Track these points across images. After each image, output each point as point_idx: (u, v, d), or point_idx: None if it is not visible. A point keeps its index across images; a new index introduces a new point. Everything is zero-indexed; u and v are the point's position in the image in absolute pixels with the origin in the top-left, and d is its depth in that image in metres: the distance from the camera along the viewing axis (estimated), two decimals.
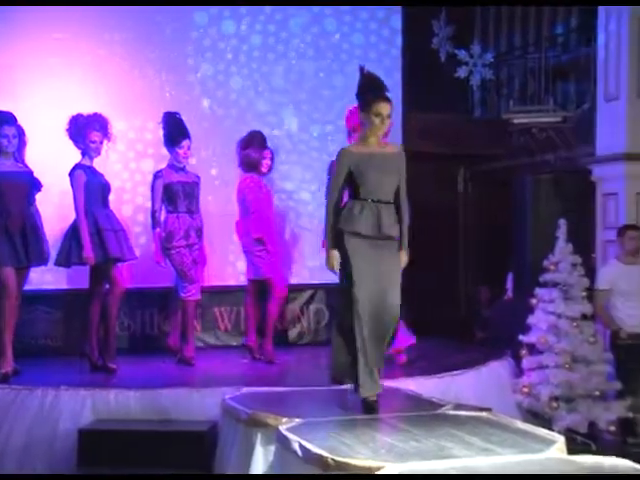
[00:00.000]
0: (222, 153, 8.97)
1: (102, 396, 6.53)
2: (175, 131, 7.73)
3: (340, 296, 5.68)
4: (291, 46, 9.46)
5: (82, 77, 8.70)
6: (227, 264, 9.15)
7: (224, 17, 9.25)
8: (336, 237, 5.47)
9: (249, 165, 8.14)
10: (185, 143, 7.70)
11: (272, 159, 8.39)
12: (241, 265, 8.80)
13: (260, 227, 8.04)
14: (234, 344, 9.05)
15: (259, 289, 8.29)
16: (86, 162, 7.41)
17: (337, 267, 5.44)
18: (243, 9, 9.30)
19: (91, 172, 7.39)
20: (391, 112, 5.46)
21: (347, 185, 5.55)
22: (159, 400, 6.49)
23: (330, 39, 9.56)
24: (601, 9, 8.80)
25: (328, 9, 9.54)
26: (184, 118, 7.84)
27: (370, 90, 5.53)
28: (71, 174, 7.33)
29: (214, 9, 9.20)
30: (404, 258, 5.63)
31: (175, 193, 7.69)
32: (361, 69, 5.80)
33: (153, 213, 7.70)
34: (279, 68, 9.39)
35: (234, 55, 9.27)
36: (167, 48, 9.07)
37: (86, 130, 7.36)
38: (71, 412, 6.39)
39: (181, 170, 7.77)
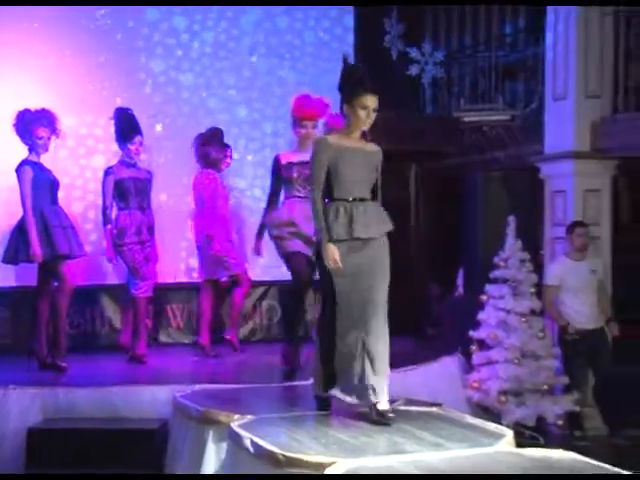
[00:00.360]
0: (174, 149, 8.93)
1: (51, 395, 6.46)
2: (127, 127, 7.67)
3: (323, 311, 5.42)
4: (243, 43, 9.43)
5: (33, 74, 8.57)
6: (179, 261, 9.12)
7: (175, 13, 9.19)
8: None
9: (209, 162, 8.16)
10: (137, 139, 7.64)
11: (231, 157, 8.40)
12: (193, 262, 8.79)
13: (213, 224, 8.04)
14: (186, 342, 9.02)
15: (214, 286, 8.30)
16: (33, 158, 7.30)
17: (339, 261, 5.03)
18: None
19: (38, 168, 7.30)
20: (377, 106, 5.22)
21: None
22: (109, 398, 6.43)
23: (282, 36, 9.56)
24: (549, 9, 8.87)
25: (280, 6, 9.53)
26: (136, 114, 7.79)
27: (355, 82, 5.25)
28: (18, 170, 7.22)
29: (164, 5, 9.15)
30: None
31: (126, 189, 7.63)
32: (344, 60, 5.66)
33: (104, 210, 7.63)
34: (231, 65, 9.36)
35: (185, 52, 9.23)
36: (119, 44, 8.99)
37: (33, 126, 7.25)
38: (20, 411, 6.30)
39: (132, 166, 7.71)
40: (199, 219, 8.14)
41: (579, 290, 8.20)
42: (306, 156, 5.93)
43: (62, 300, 7.33)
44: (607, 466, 4.17)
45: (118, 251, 7.61)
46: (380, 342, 5.10)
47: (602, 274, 8.36)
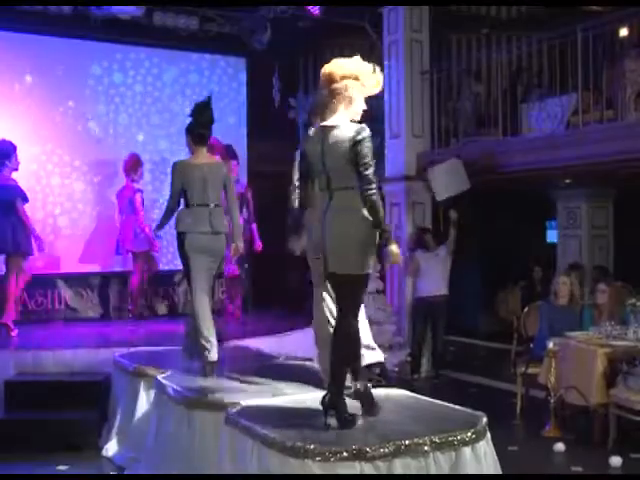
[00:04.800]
0: (112, 173, 8.88)
1: (22, 355, 6.40)
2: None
3: None
4: (165, 93, 9.39)
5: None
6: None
7: (114, 70, 9.11)
8: None
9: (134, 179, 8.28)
10: None
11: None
12: None
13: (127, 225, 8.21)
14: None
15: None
16: None
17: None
18: (129, 63, 9.20)
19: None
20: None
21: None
22: (66, 357, 6.38)
23: (193, 88, 9.52)
24: (385, 73, 8.94)
25: (192, 65, 9.57)
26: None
27: (200, 125, 5.37)
28: None
29: (106, 63, 9.06)
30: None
31: None
32: (205, 101, 5.51)
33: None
34: (156, 109, 9.32)
35: (121, 99, 9.16)
36: (72, 92, 8.84)
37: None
38: None
39: None
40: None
41: (426, 272, 8.54)
42: None
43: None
44: (429, 399, 4.33)
45: None
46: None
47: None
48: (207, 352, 5.02)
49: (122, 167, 8.41)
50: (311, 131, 3.93)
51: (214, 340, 5.08)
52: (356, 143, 3.65)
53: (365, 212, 3.64)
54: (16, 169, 7.43)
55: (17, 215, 7.21)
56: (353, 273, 3.69)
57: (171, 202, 5.36)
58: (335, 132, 3.72)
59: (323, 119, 3.85)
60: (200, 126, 5.38)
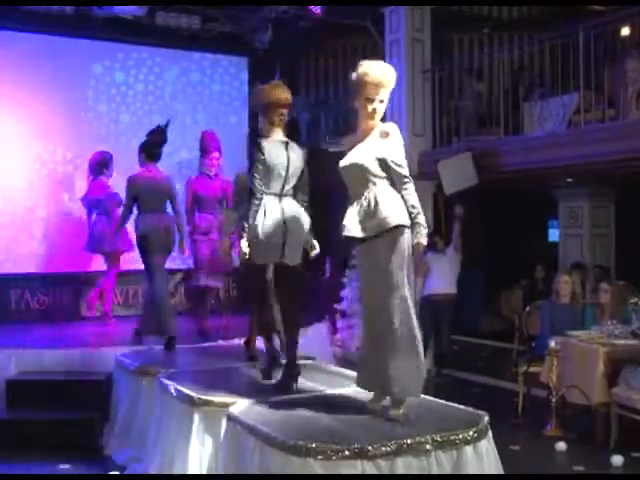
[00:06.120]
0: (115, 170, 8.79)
1: (24, 354, 6.37)
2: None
3: None
4: (166, 92, 9.39)
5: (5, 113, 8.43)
6: None
7: (116, 69, 9.12)
8: None
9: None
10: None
11: None
12: None
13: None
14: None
15: None
16: None
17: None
18: (130, 62, 9.21)
19: None
20: None
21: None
22: (67, 356, 6.36)
23: (195, 87, 9.56)
24: None
25: (194, 64, 9.57)
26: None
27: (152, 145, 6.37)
28: None
29: (108, 62, 9.08)
30: None
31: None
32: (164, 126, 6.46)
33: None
34: (157, 108, 9.30)
35: (123, 98, 9.15)
36: (74, 91, 8.84)
37: None
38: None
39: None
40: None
41: (437, 272, 8.55)
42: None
43: None
44: (430, 398, 4.28)
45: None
46: None
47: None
48: None
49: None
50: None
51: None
52: None
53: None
54: (112, 176, 7.97)
55: (114, 218, 7.54)
56: None
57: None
58: None
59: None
60: (154, 146, 6.44)
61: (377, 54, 9.50)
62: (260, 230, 4.39)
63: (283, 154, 4.52)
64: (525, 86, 9.18)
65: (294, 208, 4.55)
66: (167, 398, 4.69)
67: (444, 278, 8.52)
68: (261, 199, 4.43)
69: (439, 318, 8.56)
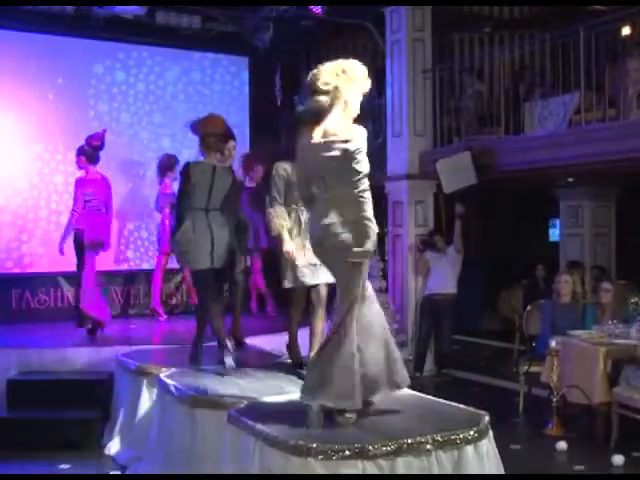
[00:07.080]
0: (114, 168, 8.78)
1: (25, 354, 6.40)
2: None
3: None
4: (167, 91, 9.39)
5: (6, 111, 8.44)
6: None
7: (117, 68, 9.12)
8: None
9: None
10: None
11: None
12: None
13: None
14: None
15: None
16: None
17: None
18: (131, 62, 9.21)
19: None
20: None
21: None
22: (68, 356, 6.38)
23: (195, 87, 9.56)
24: (387, 73, 8.97)
25: (195, 64, 9.57)
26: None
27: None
28: None
29: (108, 62, 9.07)
30: None
31: None
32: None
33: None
34: (158, 107, 9.32)
35: (123, 97, 9.15)
36: (75, 91, 8.86)
37: None
38: (0, 367, 6.20)
39: None
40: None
41: (436, 271, 8.57)
42: None
43: None
44: (431, 397, 4.34)
45: None
46: None
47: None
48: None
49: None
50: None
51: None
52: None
53: None
54: (176, 179, 7.79)
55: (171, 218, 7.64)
56: None
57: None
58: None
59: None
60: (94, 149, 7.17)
61: (378, 53, 9.52)
62: (189, 239, 5.06)
63: (209, 175, 5.14)
64: (526, 86, 9.16)
65: (220, 220, 5.14)
66: (168, 398, 4.70)
67: (444, 278, 8.51)
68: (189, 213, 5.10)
69: (439, 318, 8.54)
